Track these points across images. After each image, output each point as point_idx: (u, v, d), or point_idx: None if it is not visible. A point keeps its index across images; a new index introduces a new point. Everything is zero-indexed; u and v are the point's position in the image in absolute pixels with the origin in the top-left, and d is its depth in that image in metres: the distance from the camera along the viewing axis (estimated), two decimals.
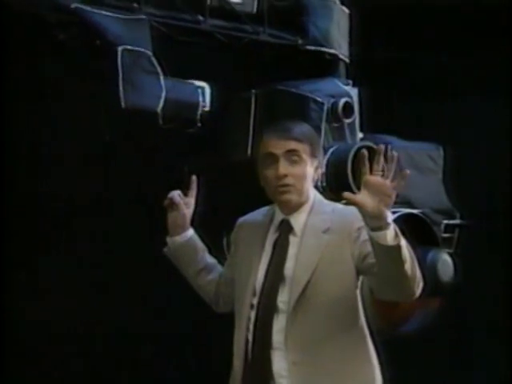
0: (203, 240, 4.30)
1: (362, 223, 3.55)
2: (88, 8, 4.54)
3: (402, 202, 5.14)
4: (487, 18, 6.24)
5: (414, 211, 5.31)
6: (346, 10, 5.54)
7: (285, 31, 5.36)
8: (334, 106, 5.14)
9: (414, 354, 6.28)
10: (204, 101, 4.86)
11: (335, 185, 5.01)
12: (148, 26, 4.72)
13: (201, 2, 5.00)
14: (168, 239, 3.92)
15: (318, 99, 5.15)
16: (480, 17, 6.26)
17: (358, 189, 4.56)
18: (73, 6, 4.50)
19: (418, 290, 3.54)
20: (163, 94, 4.64)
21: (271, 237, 3.72)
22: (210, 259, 4.00)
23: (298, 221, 3.69)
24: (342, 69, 5.50)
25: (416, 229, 5.16)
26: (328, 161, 5.03)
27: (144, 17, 4.73)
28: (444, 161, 5.59)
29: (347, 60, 5.52)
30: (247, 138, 5.19)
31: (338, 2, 5.51)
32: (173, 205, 3.84)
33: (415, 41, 6.23)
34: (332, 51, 5.45)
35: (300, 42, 5.38)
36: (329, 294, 3.56)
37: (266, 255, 3.70)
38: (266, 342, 3.56)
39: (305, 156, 3.67)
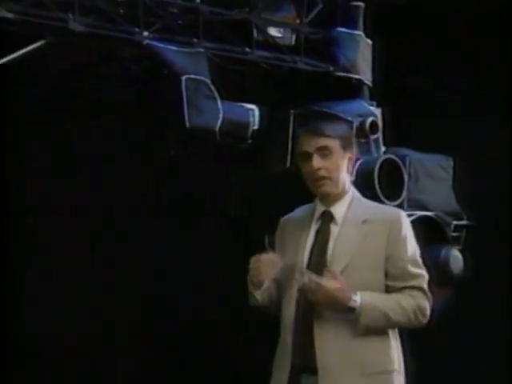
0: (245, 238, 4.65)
1: (403, 226, 3.74)
2: (157, 44, 4.90)
3: (418, 205, 5.44)
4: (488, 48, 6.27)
5: (429, 214, 5.48)
6: (370, 42, 5.72)
7: (318, 60, 5.59)
8: (362, 124, 5.34)
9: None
10: (254, 121, 5.15)
11: (363, 192, 4.89)
12: (206, 58, 5.06)
13: (248, 37, 5.29)
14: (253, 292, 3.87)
15: (348, 118, 5.26)
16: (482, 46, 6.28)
17: (384, 196, 5.04)
18: (145, 42, 4.87)
19: (419, 322, 3.66)
20: (220, 116, 4.94)
21: (314, 226, 3.78)
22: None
23: (338, 211, 3.75)
24: (366, 92, 5.69)
25: (430, 229, 5.39)
26: (357, 171, 5.04)
27: (202, 50, 5.06)
28: (453, 170, 5.67)
29: (370, 84, 5.69)
30: (286, 151, 5.32)
31: (363, 36, 5.68)
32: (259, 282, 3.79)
33: (427, 67, 6.32)
34: (358, 77, 5.65)
35: (331, 69, 5.61)
36: (363, 278, 3.65)
37: (309, 242, 3.75)
38: (309, 314, 3.64)
39: (335, 150, 3.73)
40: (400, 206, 5.27)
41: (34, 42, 4.63)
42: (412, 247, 3.77)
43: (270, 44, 5.42)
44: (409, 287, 3.69)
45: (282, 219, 3.92)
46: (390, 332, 3.76)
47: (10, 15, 4.35)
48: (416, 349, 6.14)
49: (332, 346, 3.64)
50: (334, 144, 3.71)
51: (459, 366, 6.60)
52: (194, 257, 6.05)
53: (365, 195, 4.95)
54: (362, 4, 5.70)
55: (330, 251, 3.70)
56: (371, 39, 5.75)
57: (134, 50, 4.95)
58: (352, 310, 3.59)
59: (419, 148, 5.62)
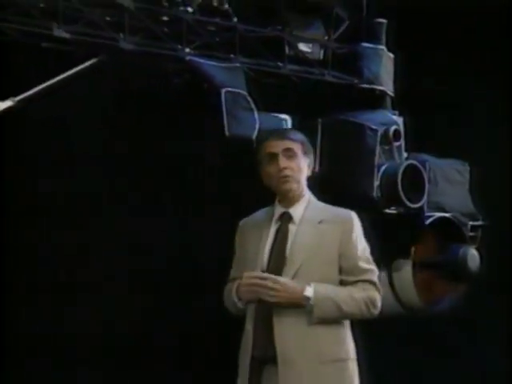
0: None
1: (354, 226, 3.90)
2: (198, 59, 5.00)
3: (436, 207, 5.60)
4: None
5: (447, 215, 5.64)
6: (392, 55, 5.82)
7: (344, 73, 5.69)
8: (386, 132, 5.45)
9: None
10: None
11: (388, 195, 5.36)
12: (242, 72, 5.15)
13: (281, 52, 5.39)
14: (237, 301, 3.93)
15: (373, 127, 5.43)
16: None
17: (407, 199, 5.22)
18: (187, 58, 4.97)
19: (371, 313, 3.85)
20: (257, 125, 5.06)
21: (273, 227, 3.90)
22: None
23: (296, 212, 3.90)
24: (388, 102, 5.78)
25: (448, 229, 5.63)
26: (381, 176, 5.35)
27: (239, 65, 5.17)
28: (469, 174, 5.83)
29: (392, 95, 5.79)
30: (314, 157, 5.13)
31: (385, 50, 5.77)
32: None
33: (445, 78, 6.40)
34: (381, 88, 5.74)
35: (356, 81, 5.70)
36: (319, 273, 3.79)
37: (269, 241, 3.87)
38: (269, 308, 3.76)
39: (299, 153, 3.91)
40: (421, 208, 5.46)
41: (88, 60, 4.75)
42: (362, 245, 3.92)
43: (300, 58, 5.53)
44: (361, 281, 3.84)
45: (241, 222, 4.05)
46: (344, 322, 3.87)
47: (66, 35, 4.51)
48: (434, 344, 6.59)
49: (290, 336, 3.74)
50: (297, 147, 3.91)
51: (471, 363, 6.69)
52: None
53: (389, 197, 5.30)
54: (384, 21, 5.78)
55: (288, 249, 3.82)
56: (393, 53, 5.85)
57: (176, 65, 5.05)
58: (307, 300, 3.70)
59: (438, 154, 5.75)
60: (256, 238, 3.93)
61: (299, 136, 4.01)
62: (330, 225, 3.87)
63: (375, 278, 3.91)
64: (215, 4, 5.12)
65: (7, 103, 4.32)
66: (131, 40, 4.77)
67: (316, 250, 3.83)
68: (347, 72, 5.72)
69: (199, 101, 5.00)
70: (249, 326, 3.84)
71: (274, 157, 3.89)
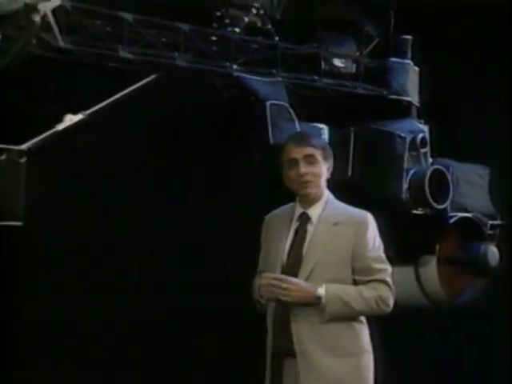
0: None
1: (368, 227, 3.93)
2: (245, 75, 5.17)
3: (459, 208, 5.76)
4: None
5: (468, 215, 5.81)
6: (417, 69, 5.95)
7: (374, 85, 5.82)
8: (414, 139, 5.59)
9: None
10: (325, 138, 5.34)
11: (415, 197, 5.49)
12: (284, 86, 5.29)
13: (317, 67, 5.53)
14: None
15: (402, 135, 5.56)
16: None
17: (433, 200, 5.34)
18: (235, 74, 5.14)
19: (382, 310, 3.90)
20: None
21: (293, 226, 3.96)
22: None
23: (314, 213, 3.95)
24: (414, 111, 5.90)
25: (469, 228, 5.82)
26: (410, 179, 5.48)
27: (280, 79, 5.31)
28: (489, 177, 6.00)
29: (418, 105, 5.92)
30: (347, 163, 5.58)
31: (411, 64, 5.91)
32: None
33: (467, 89, 6.49)
34: (408, 99, 5.88)
35: (385, 93, 5.84)
36: (332, 273, 3.86)
37: (289, 240, 3.94)
38: (287, 308, 3.86)
39: (319, 158, 3.95)
40: (445, 209, 5.59)
41: (146, 77, 4.91)
42: (376, 245, 3.96)
43: (335, 73, 5.65)
44: (373, 280, 3.88)
45: (267, 217, 4.14)
46: (359, 318, 3.94)
47: (130, 56, 4.71)
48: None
49: (306, 331, 3.81)
50: (317, 153, 3.95)
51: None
52: None
53: (416, 199, 5.44)
54: (409, 37, 5.92)
55: (305, 248, 3.88)
56: (418, 66, 5.96)
57: (225, 80, 5.19)
58: (319, 299, 3.76)
59: (460, 159, 5.90)
60: (277, 236, 3.98)
61: (320, 142, 4.06)
62: (345, 226, 3.90)
63: (387, 278, 3.94)
64: (259, 25, 5.30)
65: (79, 116, 4.53)
66: (185, 58, 4.93)
67: (330, 251, 3.87)
68: (377, 84, 5.83)
69: (245, 112, 5.14)
70: (269, 324, 3.93)
71: (295, 162, 3.93)
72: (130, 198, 5.78)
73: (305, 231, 3.94)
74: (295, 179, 3.95)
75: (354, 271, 3.90)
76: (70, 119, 4.51)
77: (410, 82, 5.93)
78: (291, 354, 3.83)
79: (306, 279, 3.83)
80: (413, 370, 6.58)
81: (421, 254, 5.76)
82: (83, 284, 5.74)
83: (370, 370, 3.92)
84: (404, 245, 5.60)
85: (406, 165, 5.54)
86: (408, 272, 5.80)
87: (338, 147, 5.39)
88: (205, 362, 6.21)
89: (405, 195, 5.51)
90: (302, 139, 4.01)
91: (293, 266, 3.88)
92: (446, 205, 5.60)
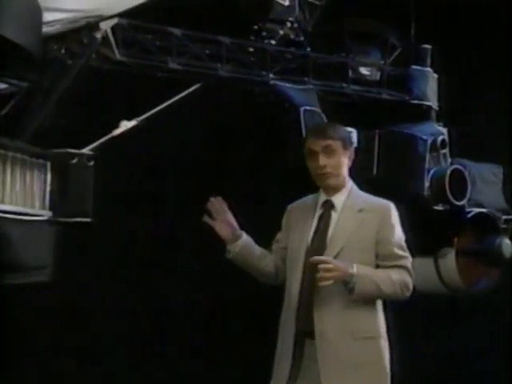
0: None
1: (392, 215, 3.93)
2: (280, 83, 5.37)
3: (475, 204, 5.93)
4: None
5: (484, 210, 5.98)
6: (436, 76, 6.14)
7: (397, 91, 6.01)
8: (434, 141, 5.75)
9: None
10: (354, 141, 5.22)
11: (436, 194, 5.67)
12: (315, 93, 5.47)
13: (345, 75, 5.75)
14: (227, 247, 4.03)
15: (424, 137, 5.73)
16: None
17: (453, 197, 5.48)
18: (271, 82, 5.36)
19: (403, 295, 3.88)
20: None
21: (317, 213, 3.95)
22: (260, 248, 4.13)
23: (338, 200, 3.94)
24: (433, 115, 6.08)
25: (485, 222, 5.99)
26: (431, 178, 5.65)
27: (312, 86, 5.50)
28: (503, 176, 6.19)
29: (437, 109, 6.10)
30: (373, 162, 5.74)
31: (431, 71, 6.09)
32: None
33: (483, 94, 6.65)
34: (428, 103, 6.06)
35: (407, 98, 6.02)
36: (357, 258, 3.84)
37: (313, 226, 3.92)
38: (311, 285, 3.84)
39: (338, 149, 3.93)
40: (463, 205, 5.77)
41: (191, 85, 5.14)
42: (399, 233, 3.96)
43: (361, 80, 5.84)
44: (396, 266, 3.88)
45: (289, 206, 4.13)
46: (377, 303, 3.93)
47: (178, 67, 4.97)
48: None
49: (327, 315, 3.80)
50: (336, 144, 3.93)
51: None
52: None
53: (437, 196, 5.60)
54: (429, 47, 6.11)
55: (329, 234, 3.87)
56: (437, 73, 6.14)
57: (262, 88, 5.40)
58: (351, 278, 3.73)
59: (476, 159, 6.08)
60: (301, 222, 3.97)
61: (339, 133, 4.01)
62: (369, 213, 3.90)
63: (409, 264, 3.93)
64: (292, 37, 5.51)
65: (132, 122, 4.74)
66: (227, 68, 5.17)
67: (355, 236, 3.86)
68: (399, 90, 6.01)
69: (281, 117, 5.30)
70: (292, 306, 3.89)
71: (314, 154, 3.93)
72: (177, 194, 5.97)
73: (329, 217, 3.94)
74: (315, 171, 3.96)
75: (377, 256, 3.89)
76: (125, 125, 4.73)
77: (429, 87, 6.09)
78: (311, 336, 3.83)
79: None
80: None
81: (440, 246, 5.95)
82: None
83: (386, 355, 3.92)
84: (425, 238, 5.75)
85: (427, 165, 5.69)
86: (428, 263, 6.00)
87: (363, 148, 5.69)
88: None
89: (426, 192, 5.66)
90: (321, 131, 4.01)
91: (317, 251, 3.86)
92: (464, 201, 5.76)
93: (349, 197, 3.97)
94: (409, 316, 6.04)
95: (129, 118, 4.75)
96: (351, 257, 3.84)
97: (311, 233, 3.92)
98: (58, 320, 5.82)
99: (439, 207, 5.72)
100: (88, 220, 4.15)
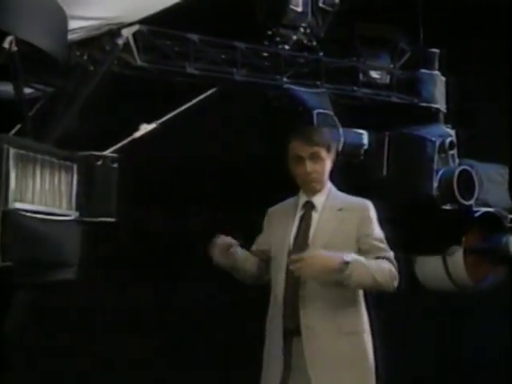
0: None
1: (371, 212, 3.96)
2: (293, 87, 5.46)
3: (482, 204, 5.98)
4: None
5: (491, 210, 6.03)
6: (443, 79, 6.20)
7: (406, 94, 6.07)
8: (443, 143, 5.83)
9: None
10: (364, 142, 5.65)
11: (445, 194, 5.76)
12: (327, 96, 5.53)
13: (356, 79, 5.84)
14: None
15: (432, 139, 5.82)
16: None
17: (461, 197, 5.57)
18: (285, 86, 5.45)
19: (392, 286, 3.88)
20: (342, 139, 5.42)
21: (298, 214, 4.01)
22: (242, 250, 4.13)
23: (318, 201, 4.01)
24: (442, 117, 6.15)
25: (492, 221, 6.03)
26: (440, 179, 5.73)
27: (324, 90, 5.58)
28: (509, 176, 6.23)
29: (445, 111, 6.18)
30: (383, 163, 5.85)
31: (439, 74, 6.16)
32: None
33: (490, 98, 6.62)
34: (436, 106, 6.13)
35: (416, 100, 6.09)
36: None
37: (295, 226, 3.97)
38: (296, 284, 3.89)
39: (324, 155, 3.99)
40: (471, 205, 5.85)
41: (207, 90, 5.26)
42: (378, 229, 3.99)
43: (371, 83, 5.91)
44: (381, 257, 3.90)
45: (269, 210, 4.20)
46: (359, 299, 3.97)
47: (195, 72, 5.08)
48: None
49: (312, 311, 3.84)
50: (322, 150, 3.98)
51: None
52: None
53: (445, 196, 5.69)
54: (437, 51, 6.19)
55: (311, 234, 3.92)
56: (444, 76, 6.22)
57: (276, 91, 5.47)
58: (346, 265, 3.72)
59: (483, 159, 6.13)
60: (283, 222, 4.02)
61: (324, 138, 4.06)
62: (349, 212, 3.95)
63: (392, 257, 3.94)
64: (305, 42, 5.62)
65: (152, 125, 4.86)
66: (242, 73, 5.28)
67: (336, 234, 3.91)
68: (409, 93, 6.08)
69: (294, 120, 5.29)
70: (278, 305, 3.94)
71: (301, 160, 3.97)
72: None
73: (310, 218, 3.98)
74: (301, 176, 4.01)
75: (359, 252, 3.89)
76: (145, 128, 4.85)
77: (437, 90, 6.17)
78: (298, 333, 3.87)
79: None
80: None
81: (448, 244, 6.01)
82: None
83: (370, 349, 3.96)
84: (434, 236, 5.96)
85: (435, 166, 5.78)
86: (437, 260, 6.09)
87: (374, 150, 5.82)
88: None
89: (435, 193, 5.74)
90: (308, 138, 4.02)
91: (299, 250, 3.88)
92: (472, 201, 5.84)
93: (328, 197, 4.04)
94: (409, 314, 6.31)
95: (148, 121, 4.86)
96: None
97: (293, 233, 3.97)
98: (87, 320, 5.96)
99: (447, 207, 5.80)
100: (112, 220, 4.27)
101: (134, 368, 6.05)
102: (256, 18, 5.47)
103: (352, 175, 5.62)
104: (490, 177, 6.12)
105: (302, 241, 3.95)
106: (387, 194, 5.73)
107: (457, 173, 5.76)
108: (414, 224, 5.93)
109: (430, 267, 6.17)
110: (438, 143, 5.84)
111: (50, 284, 4.11)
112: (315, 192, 4.02)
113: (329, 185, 4.07)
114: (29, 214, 3.81)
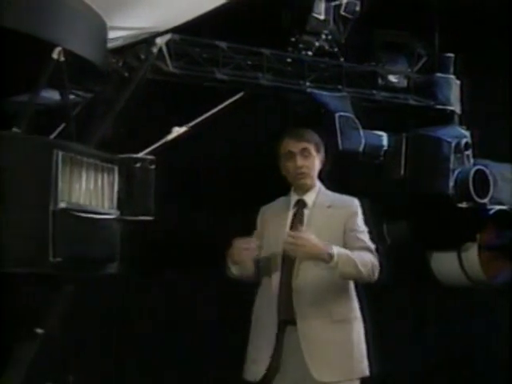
0: None
1: (357, 209, 4.05)
2: (315, 91, 5.65)
3: (496, 202, 6.08)
4: None
5: (504, 207, 6.14)
6: (458, 82, 6.36)
7: (423, 97, 6.21)
8: (458, 144, 5.96)
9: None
10: (384, 144, 5.85)
11: (460, 192, 5.87)
12: (348, 99, 5.73)
13: (375, 83, 6.01)
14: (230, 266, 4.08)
15: (448, 139, 5.94)
16: None
17: (476, 195, 5.69)
18: (308, 90, 5.64)
19: (373, 276, 3.94)
20: (362, 141, 5.65)
21: (290, 212, 4.10)
22: None
23: (309, 199, 4.09)
24: (457, 119, 6.30)
25: (505, 218, 6.13)
26: (456, 178, 5.84)
27: (345, 94, 5.77)
28: None
29: (459, 113, 6.32)
30: (400, 163, 5.94)
31: (454, 78, 6.31)
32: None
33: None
34: (451, 108, 6.27)
35: (432, 103, 6.22)
36: None
37: (288, 223, 4.06)
38: (289, 275, 3.98)
39: (313, 152, 4.08)
40: (485, 203, 5.95)
41: (235, 94, 5.42)
42: (362, 224, 4.08)
43: (390, 87, 6.07)
44: (362, 248, 3.99)
45: (262, 208, 4.27)
46: (350, 288, 4.05)
47: (224, 77, 5.28)
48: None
49: (306, 301, 3.92)
50: (311, 147, 4.09)
51: None
52: None
53: (461, 195, 5.79)
54: (452, 55, 6.33)
55: (303, 229, 3.98)
56: (459, 80, 6.36)
57: (299, 95, 5.66)
58: (331, 257, 3.81)
59: (496, 159, 6.23)
60: (276, 220, 4.10)
61: (314, 137, 4.15)
62: (337, 208, 4.06)
63: (374, 249, 4.02)
64: (327, 48, 5.83)
65: (183, 128, 5.03)
66: (267, 78, 5.49)
67: (326, 229, 3.98)
68: (425, 96, 6.22)
69: (317, 123, 5.39)
70: (273, 296, 3.98)
71: (292, 155, 4.06)
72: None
73: (302, 215, 4.07)
74: (292, 170, 4.08)
75: (345, 244, 3.98)
76: (177, 131, 5.03)
77: (452, 93, 6.33)
78: (293, 322, 3.93)
79: None
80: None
81: (463, 241, 6.15)
82: None
83: (362, 336, 4.04)
84: (449, 233, 6.07)
85: (452, 165, 5.91)
86: (452, 257, 6.23)
87: (392, 150, 6.01)
88: None
89: (451, 191, 5.87)
90: (299, 134, 4.12)
91: None
92: (487, 199, 5.96)
93: (318, 195, 4.12)
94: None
95: (180, 125, 5.03)
96: None
97: (287, 229, 4.04)
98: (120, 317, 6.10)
99: (463, 205, 5.91)
100: (150, 218, 4.46)
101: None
102: (280, 26, 5.69)
103: (372, 175, 5.98)
104: (503, 176, 6.20)
105: None
106: (405, 192, 5.91)
107: (472, 172, 5.88)
108: (430, 221, 6.07)
109: (445, 263, 6.28)
110: (453, 144, 5.97)
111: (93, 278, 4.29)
112: (306, 189, 4.11)
113: (318, 184, 4.16)
114: (76, 213, 3.99)
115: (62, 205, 3.95)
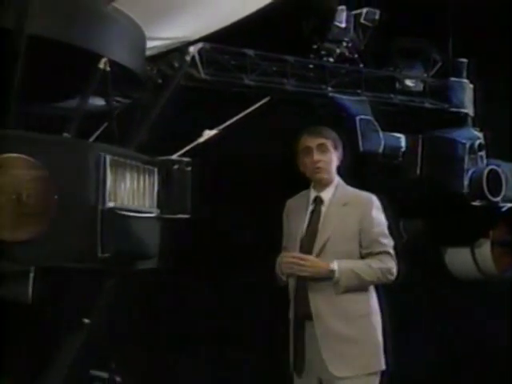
0: None
1: (373, 207, 4.02)
2: (337, 95, 5.87)
3: (508, 200, 6.25)
4: None
5: None
6: (471, 86, 6.55)
7: (438, 100, 6.40)
8: (472, 145, 6.17)
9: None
10: (402, 145, 6.01)
11: (474, 191, 6.04)
12: (367, 103, 5.91)
13: (392, 87, 6.20)
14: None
15: (463, 141, 6.14)
16: None
17: (490, 194, 5.85)
18: (329, 94, 5.81)
19: (387, 279, 3.98)
20: (382, 143, 5.84)
21: (309, 208, 4.10)
22: None
23: (326, 195, 4.08)
24: (470, 121, 6.47)
25: None
26: (470, 177, 6.00)
27: (365, 98, 5.96)
28: None
29: (473, 115, 6.50)
30: (417, 163, 6.14)
31: (467, 82, 6.51)
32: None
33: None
34: (465, 111, 6.47)
35: (446, 106, 6.43)
36: (340, 248, 3.99)
37: (307, 219, 4.06)
38: (306, 279, 3.98)
39: (330, 148, 4.08)
40: (498, 201, 6.10)
41: (262, 99, 5.60)
42: (380, 222, 4.05)
43: (407, 91, 6.25)
44: (379, 253, 3.99)
45: (288, 201, 4.28)
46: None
47: (251, 83, 5.48)
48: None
49: (321, 299, 3.94)
50: (328, 143, 4.10)
51: None
52: None
53: (475, 194, 5.95)
54: (465, 60, 6.53)
55: (319, 226, 4.02)
56: (472, 84, 6.54)
57: (321, 99, 5.85)
58: (332, 273, 3.88)
59: (508, 159, 6.39)
60: (297, 217, 4.11)
61: (331, 133, 4.16)
62: (353, 206, 4.03)
63: (391, 250, 4.02)
64: (347, 54, 6.03)
65: (214, 131, 5.27)
66: (291, 83, 5.68)
67: (340, 228, 3.99)
68: (440, 100, 6.42)
69: (339, 125, 5.35)
70: (292, 293, 4.06)
71: (309, 150, 4.06)
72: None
73: (319, 212, 4.07)
74: (309, 165, 4.08)
75: (361, 245, 3.99)
76: (208, 134, 5.26)
77: (466, 97, 6.51)
78: (310, 317, 3.97)
79: (319, 252, 3.97)
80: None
81: (477, 237, 6.33)
82: None
83: (379, 329, 4.04)
84: (464, 230, 6.25)
85: (466, 166, 6.10)
86: (465, 252, 6.41)
87: (408, 151, 6.17)
88: None
89: (465, 190, 6.05)
90: (316, 130, 4.14)
91: (309, 242, 4.01)
92: (500, 198, 6.15)
93: (336, 192, 4.11)
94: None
95: (211, 128, 5.27)
96: (336, 246, 3.99)
97: (305, 225, 4.07)
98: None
99: (477, 203, 6.09)
100: (188, 216, 4.70)
101: None
102: (303, 34, 5.90)
103: (391, 175, 6.17)
104: None
105: (311, 232, 4.06)
106: (421, 191, 6.08)
107: (486, 172, 6.07)
108: (445, 219, 6.24)
109: (459, 258, 6.45)
110: (468, 145, 6.16)
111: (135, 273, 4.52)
112: (324, 185, 4.11)
113: (336, 179, 4.14)
114: (121, 212, 4.24)
115: (110, 204, 4.18)
